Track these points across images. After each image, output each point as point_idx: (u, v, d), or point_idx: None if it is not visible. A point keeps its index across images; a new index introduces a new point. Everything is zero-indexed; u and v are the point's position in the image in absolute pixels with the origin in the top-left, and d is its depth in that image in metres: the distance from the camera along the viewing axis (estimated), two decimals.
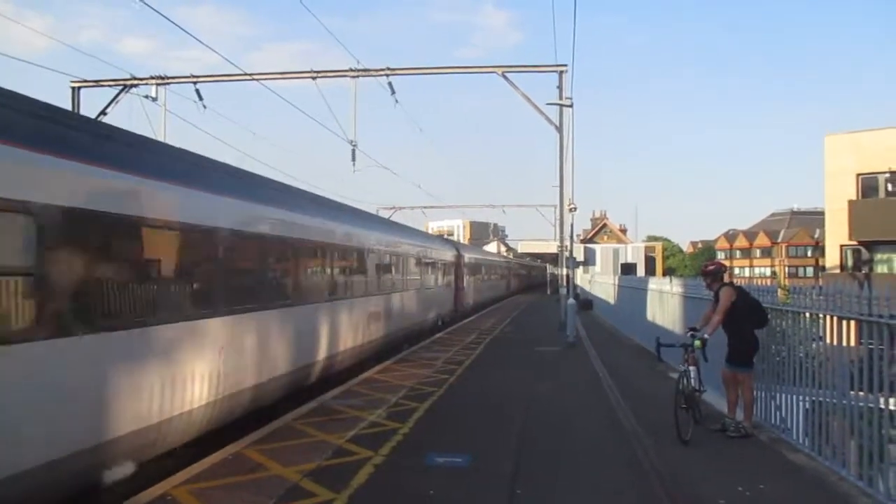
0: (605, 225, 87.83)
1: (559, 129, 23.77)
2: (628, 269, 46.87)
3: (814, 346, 8.34)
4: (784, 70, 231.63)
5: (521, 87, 23.43)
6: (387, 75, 23.43)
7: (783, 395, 8.98)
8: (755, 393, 9.38)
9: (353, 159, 24.42)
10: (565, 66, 23.51)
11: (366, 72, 23.31)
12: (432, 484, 7.10)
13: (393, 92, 23.78)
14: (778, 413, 9.13)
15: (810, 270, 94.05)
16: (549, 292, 64.61)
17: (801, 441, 8.47)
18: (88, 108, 24.03)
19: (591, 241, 72.89)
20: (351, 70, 23.34)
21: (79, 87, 24.13)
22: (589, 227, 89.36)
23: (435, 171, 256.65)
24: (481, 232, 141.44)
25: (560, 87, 23.39)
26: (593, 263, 47.73)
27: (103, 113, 23.47)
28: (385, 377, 14.00)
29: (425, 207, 58.67)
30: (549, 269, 74.22)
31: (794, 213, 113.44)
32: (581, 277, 43.34)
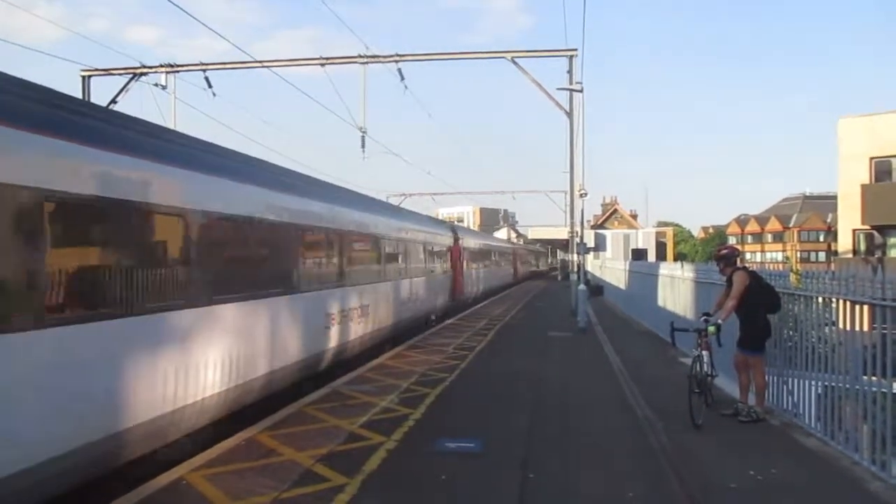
0: (615, 210, 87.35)
1: (569, 114, 23.68)
2: (639, 254, 46.49)
3: (826, 330, 8.31)
4: (797, 52, 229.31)
5: (531, 73, 23.36)
6: (396, 61, 23.36)
7: (795, 380, 8.96)
8: (767, 378, 9.35)
9: (363, 146, 24.43)
10: (575, 50, 23.42)
11: (375, 58, 23.26)
12: (445, 469, 7.13)
13: (402, 78, 23.73)
14: (790, 398, 9.11)
15: (822, 255, 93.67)
16: (559, 278, 64.50)
17: (813, 426, 8.45)
18: (98, 97, 24.12)
19: (601, 226, 72.52)
20: (360, 56, 23.30)
21: (89, 76, 24.21)
22: (599, 212, 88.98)
23: (445, 158, 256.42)
24: (491, 218, 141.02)
25: (570, 72, 23.31)
26: (604, 249, 47.39)
27: (114, 101, 23.54)
28: (396, 363, 14.05)
29: (435, 194, 58.75)
30: (560, 254, 74.03)
31: (807, 198, 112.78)
32: (592, 263, 43.22)
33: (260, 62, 22.83)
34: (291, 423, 9.02)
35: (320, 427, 8.84)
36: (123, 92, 23.90)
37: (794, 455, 7.65)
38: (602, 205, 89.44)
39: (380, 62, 23.32)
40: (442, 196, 61.18)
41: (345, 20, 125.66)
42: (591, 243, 28.44)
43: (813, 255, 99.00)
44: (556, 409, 10.14)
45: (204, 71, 23.54)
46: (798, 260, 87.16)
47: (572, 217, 26.63)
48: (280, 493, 6.40)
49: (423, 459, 7.51)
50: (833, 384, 7.90)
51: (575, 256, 26.06)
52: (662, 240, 58.19)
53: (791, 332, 9.20)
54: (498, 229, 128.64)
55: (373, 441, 8.13)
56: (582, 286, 22.37)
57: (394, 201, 41.38)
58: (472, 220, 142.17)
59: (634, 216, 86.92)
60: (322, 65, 23.47)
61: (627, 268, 28.33)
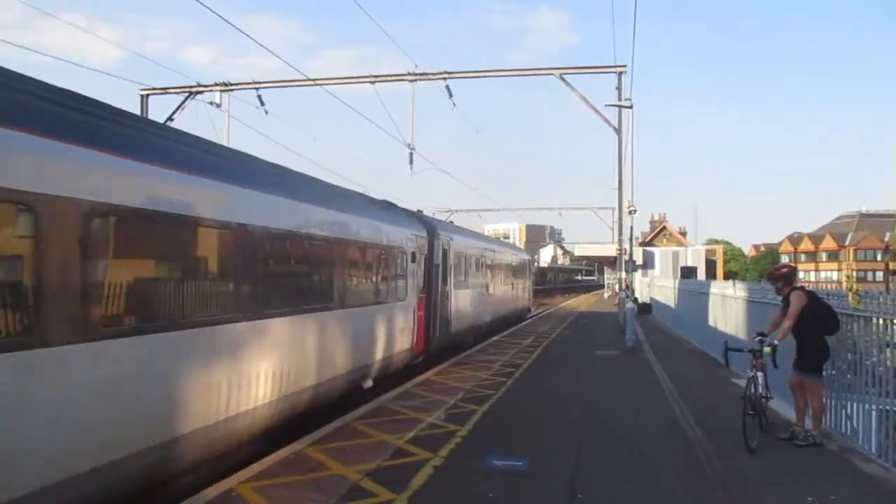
0: (664, 228, 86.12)
1: (618, 130, 23.52)
2: (688, 272, 45.71)
3: (887, 352, 8.04)
4: (852, 68, 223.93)
5: (578, 89, 23.30)
6: (444, 79, 23.55)
7: (854, 404, 8.67)
8: (824, 400, 9.08)
9: (411, 162, 24.68)
10: (624, 66, 23.28)
11: (423, 76, 23.47)
12: (492, 487, 7.09)
13: (450, 95, 23.89)
14: (849, 422, 8.83)
15: (880, 275, 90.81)
16: (605, 296, 63.84)
17: (873, 451, 8.16)
18: (155, 115, 24.79)
19: (649, 244, 71.53)
20: (409, 74, 23.55)
21: (147, 95, 24.94)
22: (647, 229, 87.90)
23: (491, 174, 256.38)
24: (537, 235, 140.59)
25: (619, 88, 23.16)
26: (652, 267, 46.85)
27: (170, 119, 24.18)
28: (442, 379, 14.04)
29: (482, 211, 58.83)
30: (607, 273, 73.40)
31: (863, 216, 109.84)
32: (640, 281, 42.68)
33: (312, 80, 23.24)
34: (339, 438, 9.07)
35: (367, 442, 8.88)
36: (180, 110, 24.57)
37: (853, 482, 7.40)
38: (650, 222, 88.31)
39: (428, 80, 23.52)
40: (488, 212, 61.13)
41: (394, 40, 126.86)
42: (639, 261, 28.10)
43: (870, 274, 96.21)
44: (605, 428, 9.99)
45: (257, 89, 24.06)
46: (854, 279, 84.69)
47: (621, 234, 26.35)
48: None
49: (471, 477, 7.47)
50: (894, 408, 7.63)
51: (623, 274, 25.76)
52: (712, 258, 57.08)
53: (849, 354, 8.93)
54: (544, 246, 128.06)
55: (420, 457, 8.13)
56: (630, 304, 22.09)
57: (441, 217, 41.50)
58: (517, 237, 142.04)
59: (683, 233, 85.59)
60: (372, 82, 23.78)
61: (677, 286, 27.90)
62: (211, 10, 12.76)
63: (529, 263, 41.05)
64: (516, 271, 33.35)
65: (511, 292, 31.52)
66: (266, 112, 24.17)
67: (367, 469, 7.61)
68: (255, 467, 7.68)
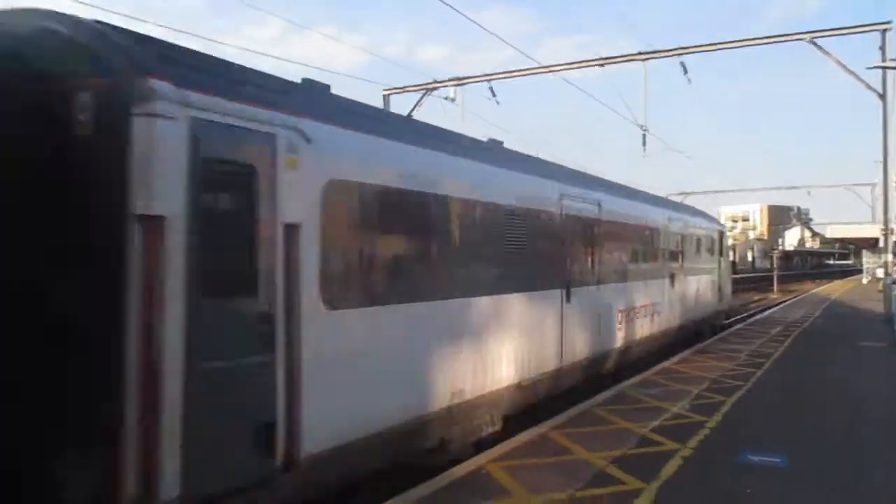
0: None
1: (882, 96, 20.99)
2: None
3: None
4: None
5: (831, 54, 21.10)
6: (679, 55, 22.46)
7: None
8: None
9: (644, 143, 23.95)
10: (889, 22, 20.66)
11: (656, 53, 22.62)
12: (748, 483, 6.71)
13: (685, 72, 22.78)
14: None
15: None
16: (864, 281, 57.79)
17: None
18: (396, 111, 26.43)
19: None
20: (640, 54, 22.81)
21: (389, 94, 26.63)
22: None
23: (730, 153, 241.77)
24: (781, 216, 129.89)
25: (883, 48, 20.63)
26: None
27: (409, 115, 25.63)
28: (683, 368, 13.52)
29: (717, 192, 55.73)
30: (865, 256, 66.13)
31: None
32: None
33: (543, 67, 23.37)
34: (581, 423, 9.09)
35: (610, 429, 8.81)
36: (417, 107, 25.94)
37: None
38: None
39: (662, 57, 22.58)
40: (725, 194, 57.84)
41: (622, 23, 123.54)
42: None
43: None
44: (873, 427, 9.04)
45: (488, 81, 24.69)
46: None
47: (885, 212, 23.52)
48: (576, 492, 6.47)
49: (724, 471, 7.15)
50: None
51: (890, 257, 23.05)
52: None
53: None
54: (789, 228, 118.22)
55: (667, 447, 7.91)
56: None
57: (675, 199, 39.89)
58: (758, 219, 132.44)
59: None
60: (601, 65, 23.37)
61: None
62: (450, 7, 13.39)
63: (722, 239, 22.36)
64: (687, 248, 17.71)
65: (666, 293, 15.82)
66: (497, 103, 24.74)
67: (612, 456, 7.55)
68: (503, 447, 7.97)
